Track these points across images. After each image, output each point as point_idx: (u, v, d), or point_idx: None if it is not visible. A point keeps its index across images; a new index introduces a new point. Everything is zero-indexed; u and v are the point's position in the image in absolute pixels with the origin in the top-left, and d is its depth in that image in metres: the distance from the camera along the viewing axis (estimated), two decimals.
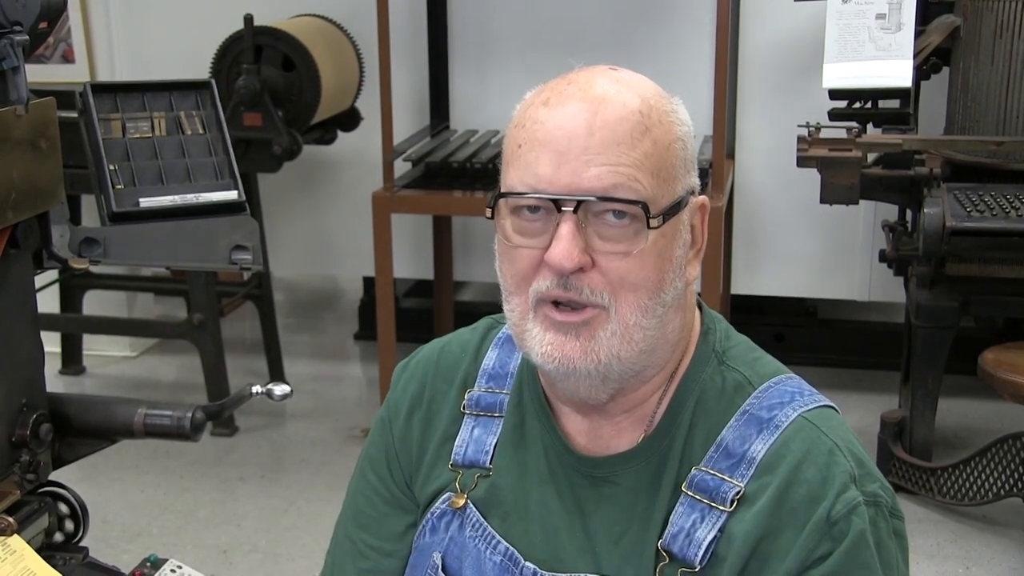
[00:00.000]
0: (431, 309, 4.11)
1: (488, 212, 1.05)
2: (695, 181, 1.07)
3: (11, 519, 1.31)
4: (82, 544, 1.47)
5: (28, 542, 1.32)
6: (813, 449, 1.03)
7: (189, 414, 1.44)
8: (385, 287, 3.30)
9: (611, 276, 1.00)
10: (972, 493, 2.95)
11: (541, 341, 1.03)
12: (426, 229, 3.94)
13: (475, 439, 1.16)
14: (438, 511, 1.16)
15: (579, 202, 0.99)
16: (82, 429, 1.46)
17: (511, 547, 1.11)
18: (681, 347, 1.10)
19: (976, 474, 2.93)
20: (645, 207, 0.99)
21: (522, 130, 1.03)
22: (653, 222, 1.00)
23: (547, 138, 1.01)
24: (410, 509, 1.21)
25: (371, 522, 1.22)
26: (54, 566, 1.32)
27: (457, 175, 3.36)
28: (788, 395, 1.07)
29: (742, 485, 1.03)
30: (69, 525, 1.48)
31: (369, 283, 4.32)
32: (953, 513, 3.02)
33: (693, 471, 1.05)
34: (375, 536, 1.22)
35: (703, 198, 1.08)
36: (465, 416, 1.18)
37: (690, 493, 1.05)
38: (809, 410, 1.06)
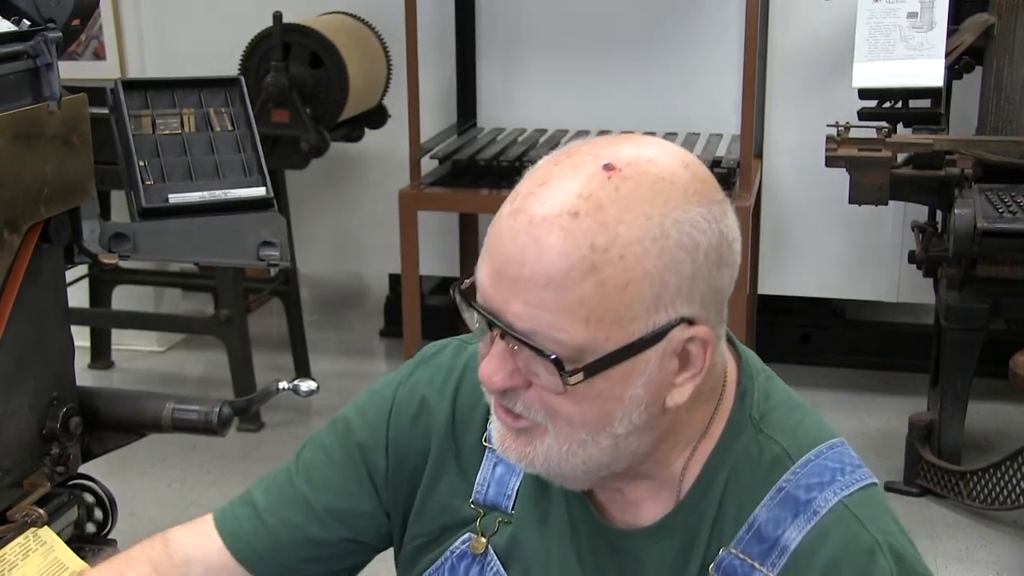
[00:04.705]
0: (456, 307, 4.11)
1: (454, 296, 0.97)
2: (689, 310, 0.91)
3: (41, 511, 1.32)
4: (110, 537, 1.49)
5: (58, 534, 1.34)
6: (852, 545, 0.96)
7: (216, 409, 1.46)
8: (411, 284, 3.30)
9: (545, 403, 0.93)
10: (1002, 498, 2.91)
11: (494, 428, 1.00)
12: (452, 227, 3.94)
13: (497, 479, 1.11)
14: (458, 551, 1.11)
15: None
16: (111, 423, 1.47)
17: None
18: (710, 408, 1.01)
19: (1007, 478, 2.89)
20: (559, 362, 0.88)
21: (497, 217, 0.94)
22: (571, 379, 0.89)
23: (492, 248, 0.92)
24: (370, 500, 1.14)
25: (322, 488, 1.15)
26: (83, 558, 1.33)
27: (484, 173, 3.35)
28: (829, 473, 1.00)
29: (773, 575, 0.97)
30: (98, 518, 1.50)
31: (395, 280, 4.32)
32: (983, 517, 2.99)
33: (721, 553, 0.99)
34: (320, 500, 1.15)
35: (703, 330, 0.92)
36: (487, 451, 1.11)
37: None
38: (850, 495, 0.99)
